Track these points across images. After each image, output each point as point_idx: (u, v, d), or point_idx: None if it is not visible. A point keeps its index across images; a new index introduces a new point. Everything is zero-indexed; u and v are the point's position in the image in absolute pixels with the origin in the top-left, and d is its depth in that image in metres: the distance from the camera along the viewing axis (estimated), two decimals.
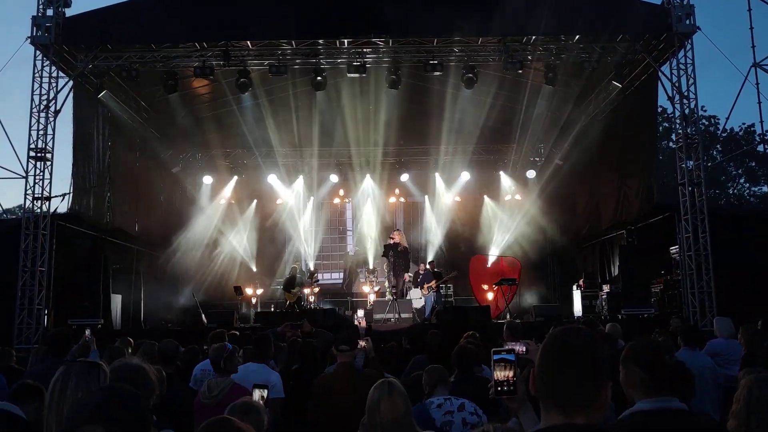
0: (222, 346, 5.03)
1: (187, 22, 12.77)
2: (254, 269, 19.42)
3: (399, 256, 15.41)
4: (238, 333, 7.93)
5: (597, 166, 16.77)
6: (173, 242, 17.48)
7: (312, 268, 19.05)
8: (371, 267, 19.04)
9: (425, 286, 15.22)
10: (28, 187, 12.61)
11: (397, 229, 16.49)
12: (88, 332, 7.26)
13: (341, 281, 19.83)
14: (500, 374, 2.11)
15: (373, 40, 13.39)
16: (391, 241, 15.55)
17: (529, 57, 13.79)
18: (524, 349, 2.94)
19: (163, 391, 4.64)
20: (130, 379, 2.57)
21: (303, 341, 6.31)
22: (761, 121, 13.80)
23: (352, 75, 13.79)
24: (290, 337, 7.09)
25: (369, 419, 3.41)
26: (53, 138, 12.79)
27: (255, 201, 20.48)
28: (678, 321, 10.55)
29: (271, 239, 20.15)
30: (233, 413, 2.95)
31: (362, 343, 5.57)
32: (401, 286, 15.49)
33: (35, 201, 12.60)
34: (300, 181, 20.28)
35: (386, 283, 15.62)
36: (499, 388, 2.10)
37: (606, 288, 15.15)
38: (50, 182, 12.73)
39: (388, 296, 14.86)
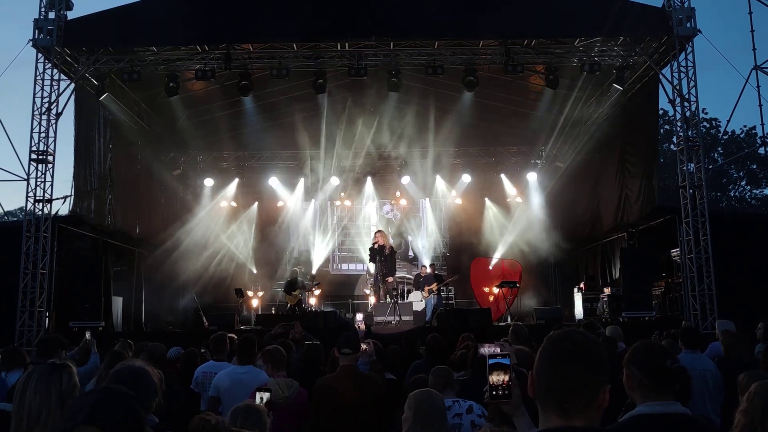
0: (277, 348, 5.05)
1: (189, 24, 12.79)
2: (255, 271, 19.42)
3: (387, 260, 15.00)
4: (234, 336, 7.91)
5: (598, 168, 16.78)
6: (174, 244, 17.48)
7: (313, 271, 19.07)
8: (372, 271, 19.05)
9: (426, 288, 15.18)
10: (29, 189, 12.62)
11: (379, 230, 16.00)
12: (88, 334, 7.27)
13: (364, 271, 19.85)
14: (495, 378, 2.11)
15: (374, 42, 13.40)
16: (376, 245, 15.11)
17: (530, 60, 13.80)
18: (498, 350, 2.94)
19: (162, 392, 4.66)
20: (133, 381, 2.58)
21: (310, 345, 6.36)
22: (762, 124, 13.84)
23: (353, 77, 13.80)
24: (290, 339, 7.11)
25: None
26: (54, 140, 12.79)
27: (256, 203, 20.50)
28: (690, 325, 10.52)
29: (272, 242, 20.15)
30: (235, 416, 2.96)
31: (364, 347, 5.60)
32: (395, 289, 15.34)
33: (36, 203, 12.61)
34: (301, 184, 20.28)
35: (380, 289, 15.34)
36: (494, 393, 2.11)
37: (607, 290, 15.10)
38: (51, 185, 12.74)
39: (389, 299, 14.81)
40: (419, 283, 16.12)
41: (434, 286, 15.17)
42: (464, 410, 4.04)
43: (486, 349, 2.11)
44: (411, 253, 20.31)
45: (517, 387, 2.10)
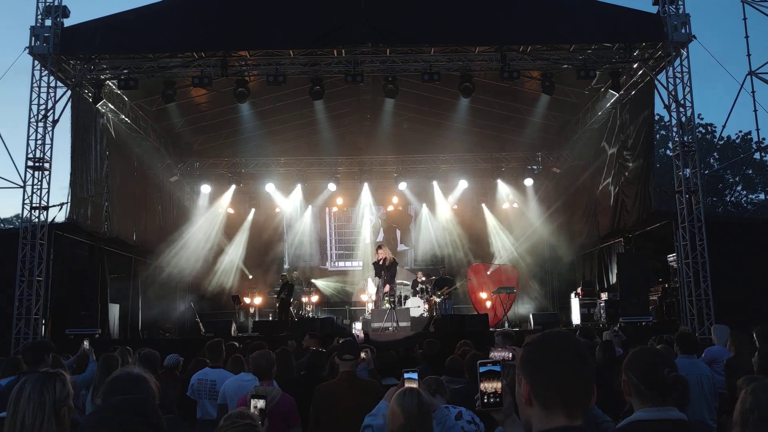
0: (267, 353, 5.05)
1: (185, 32, 12.80)
2: (252, 278, 19.40)
3: (388, 270, 15.12)
4: (238, 344, 7.92)
5: (594, 173, 16.81)
6: (171, 251, 17.46)
7: (310, 278, 19.06)
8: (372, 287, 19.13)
9: (437, 292, 15.17)
10: (26, 196, 12.58)
11: (380, 246, 16.20)
12: (86, 343, 7.25)
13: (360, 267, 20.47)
14: (487, 386, 2.09)
15: (371, 49, 13.42)
16: (379, 260, 15.22)
17: (526, 65, 13.84)
18: (510, 355, 2.92)
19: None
20: (131, 388, 2.57)
21: (314, 351, 6.40)
22: (757, 129, 13.93)
23: (350, 84, 13.81)
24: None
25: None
26: (51, 148, 12.76)
27: (253, 209, 20.50)
28: (687, 329, 10.51)
29: (268, 248, 20.15)
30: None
31: (363, 354, 5.63)
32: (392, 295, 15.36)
33: (33, 210, 12.57)
34: (298, 190, 20.29)
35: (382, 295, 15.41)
36: (486, 400, 2.09)
37: (604, 296, 15.13)
38: (48, 192, 12.71)
39: (386, 305, 14.80)
40: (417, 289, 16.11)
41: (445, 290, 15.14)
42: (453, 417, 4.04)
43: (497, 353, 2.06)
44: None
45: (508, 394, 2.08)
